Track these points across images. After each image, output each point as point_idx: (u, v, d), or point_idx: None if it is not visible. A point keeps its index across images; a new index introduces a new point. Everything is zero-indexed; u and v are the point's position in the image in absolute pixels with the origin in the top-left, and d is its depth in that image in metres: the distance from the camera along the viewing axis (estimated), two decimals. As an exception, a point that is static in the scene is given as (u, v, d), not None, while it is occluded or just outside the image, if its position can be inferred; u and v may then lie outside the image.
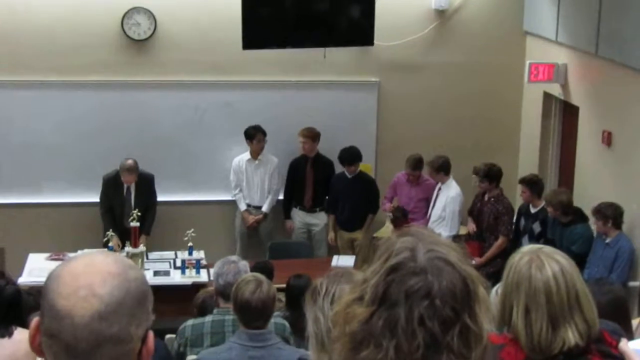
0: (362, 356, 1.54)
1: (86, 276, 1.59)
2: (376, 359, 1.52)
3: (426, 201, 9.63)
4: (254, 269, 6.39)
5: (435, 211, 9.43)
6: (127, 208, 9.39)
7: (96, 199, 9.83)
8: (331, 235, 9.94)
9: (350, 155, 9.68)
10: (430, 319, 1.51)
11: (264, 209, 10.10)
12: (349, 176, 9.79)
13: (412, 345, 1.50)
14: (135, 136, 10.09)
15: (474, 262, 8.55)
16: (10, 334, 4.30)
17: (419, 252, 1.58)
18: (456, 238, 9.12)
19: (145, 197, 9.62)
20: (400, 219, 9.09)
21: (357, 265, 8.53)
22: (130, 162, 9.44)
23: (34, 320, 1.64)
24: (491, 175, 9.05)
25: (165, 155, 10.15)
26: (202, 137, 10.27)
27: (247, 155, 10.06)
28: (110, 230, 8.93)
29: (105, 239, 8.84)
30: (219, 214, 10.43)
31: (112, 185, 9.56)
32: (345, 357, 1.57)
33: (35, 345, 1.64)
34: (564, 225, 8.57)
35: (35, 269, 8.44)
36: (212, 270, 6.45)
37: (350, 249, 9.86)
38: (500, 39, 10.50)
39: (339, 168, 10.02)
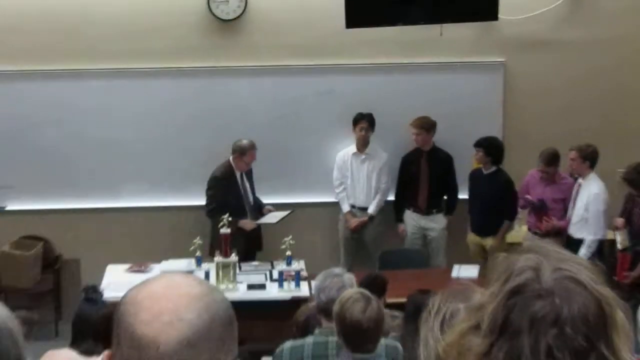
0: None
1: (168, 299, 1.53)
2: None
3: (563, 202, 8.80)
4: (362, 283, 5.93)
5: (577, 212, 8.58)
6: (246, 203, 8.82)
7: (182, 201, 9.18)
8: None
9: (496, 149, 8.89)
10: (559, 349, 1.39)
11: (370, 210, 9.27)
12: (485, 172, 8.99)
13: None
14: (223, 130, 9.10)
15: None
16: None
17: (544, 271, 1.45)
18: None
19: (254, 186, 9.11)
20: (540, 209, 8.63)
21: (482, 274, 7.92)
22: (246, 141, 8.71)
23: (105, 354, 1.58)
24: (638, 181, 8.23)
25: (258, 151, 9.03)
26: (298, 129, 9.33)
27: (353, 148, 9.28)
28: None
29: (192, 247, 8.08)
30: (319, 218, 9.50)
31: (226, 180, 8.71)
32: None
33: None
34: None
35: (114, 283, 7.65)
36: (313, 284, 6.22)
37: (480, 255, 9.02)
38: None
39: (458, 162, 9.17)
